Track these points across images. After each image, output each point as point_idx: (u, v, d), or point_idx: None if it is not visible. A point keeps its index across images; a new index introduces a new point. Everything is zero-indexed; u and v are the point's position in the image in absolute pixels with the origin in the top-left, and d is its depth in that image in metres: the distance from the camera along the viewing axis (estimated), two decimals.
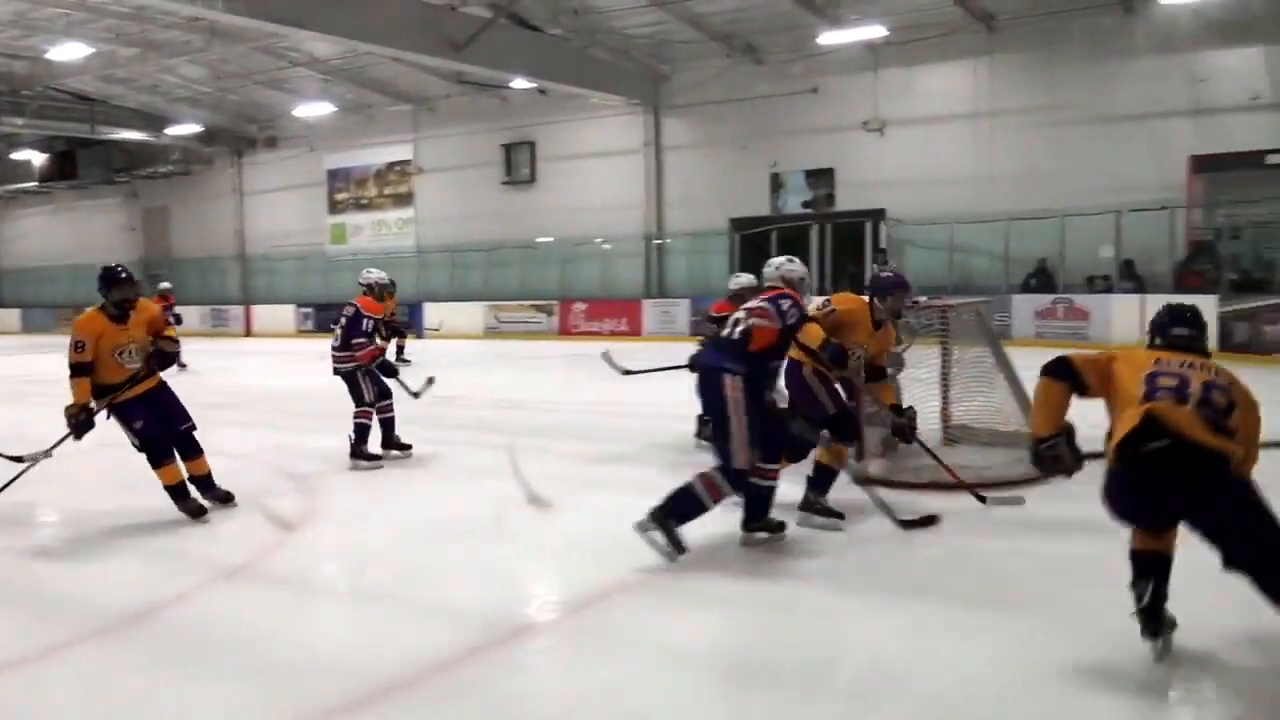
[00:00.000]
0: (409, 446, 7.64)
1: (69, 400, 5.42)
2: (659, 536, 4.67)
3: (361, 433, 7.34)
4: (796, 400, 5.32)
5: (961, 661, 3.57)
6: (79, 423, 5.44)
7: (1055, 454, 3.49)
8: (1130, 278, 16.13)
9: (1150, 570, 3.44)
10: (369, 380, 7.38)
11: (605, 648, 3.82)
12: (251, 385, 13.90)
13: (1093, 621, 3.92)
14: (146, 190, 31.40)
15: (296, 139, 27.53)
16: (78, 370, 5.40)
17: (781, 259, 5.34)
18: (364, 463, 7.29)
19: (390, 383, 7.55)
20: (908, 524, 5.16)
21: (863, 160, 19.61)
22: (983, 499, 5.43)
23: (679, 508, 4.72)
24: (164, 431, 5.56)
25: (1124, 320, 15.00)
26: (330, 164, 27.66)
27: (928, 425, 6.72)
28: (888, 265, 15.61)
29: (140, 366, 5.52)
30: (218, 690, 3.50)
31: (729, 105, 20.75)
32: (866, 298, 5.49)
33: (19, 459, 5.60)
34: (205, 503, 5.70)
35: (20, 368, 17.24)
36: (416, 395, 7.78)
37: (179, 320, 15.78)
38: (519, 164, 24.16)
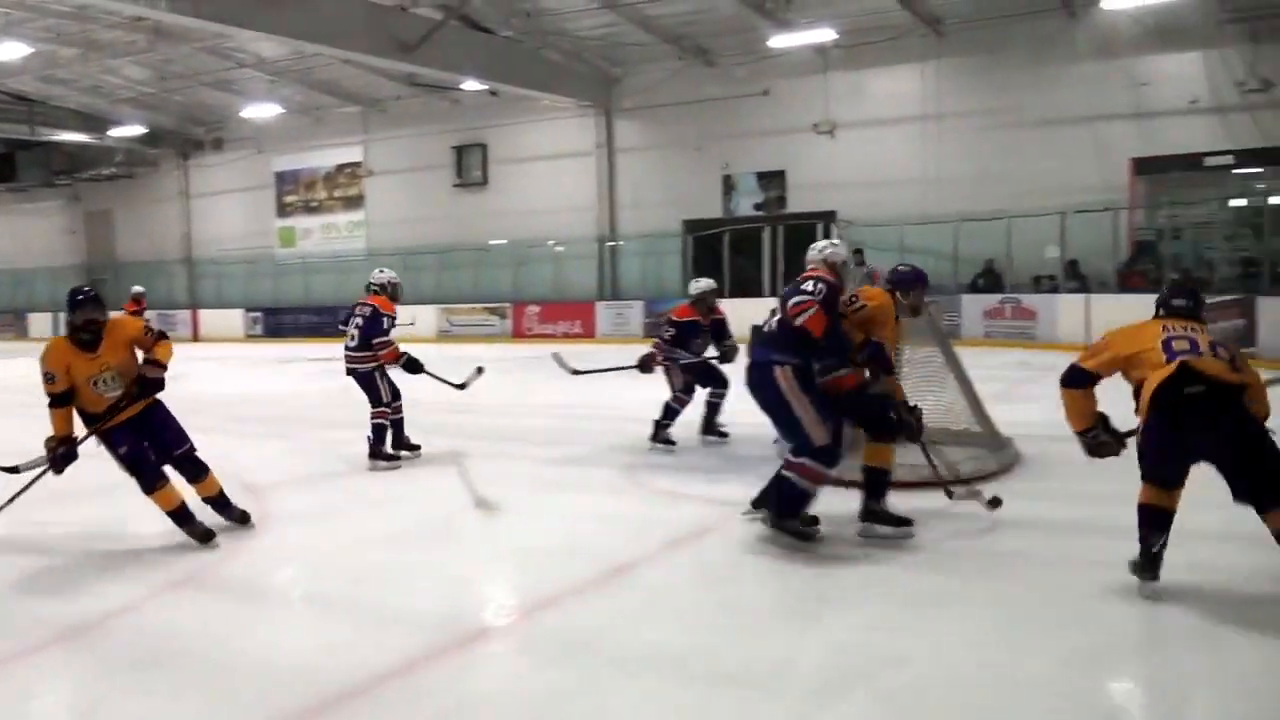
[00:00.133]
0: (418, 446, 7.67)
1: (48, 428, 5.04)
2: (789, 537, 4.80)
3: (380, 433, 7.37)
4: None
5: (917, 659, 3.62)
6: (58, 456, 4.98)
7: (1099, 441, 4.26)
8: (1075, 278, 16.43)
9: (1160, 523, 3.95)
10: (386, 380, 7.44)
11: (562, 651, 3.81)
12: (200, 391, 13.67)
13: (1046, 617, 3.99)
14: (89, 193, 30.77)
15: (244, 141, 27.16)
16: (54, 401, 4.99)
17: (824, 242, 5.33)
18: (382, 463, 7.33)
19: (424, 377, 7.56)
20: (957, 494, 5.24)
21: (813, 162, 19.79)
22: (950, 494, 5.48)
23: (788, 504, 4.82)
24: (159, 455, 5.15)
25: (1070, 319, 15.29)
26: (278, 166, 27.32)
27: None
28: (864, 264, 15.84)
29: (121, 394, 5.03)
30: (172, 700, 3.45)
31: (681, 107, 20.82)
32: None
33: (14, 469, 5.22)
34: (225, 521, 5.38)
35: None
36: (462, 387, 7.76)
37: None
38: (470, 166, 24.05)
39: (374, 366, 7.37)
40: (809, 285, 4.87)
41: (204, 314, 27.36)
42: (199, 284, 28.87)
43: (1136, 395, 4.06)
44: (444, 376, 7.71)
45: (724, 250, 19.91)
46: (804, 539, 4.81)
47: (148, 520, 5.24)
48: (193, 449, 5.28)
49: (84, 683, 3.65)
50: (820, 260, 5.16)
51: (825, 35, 17.87)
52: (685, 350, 7.70)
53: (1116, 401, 4.34)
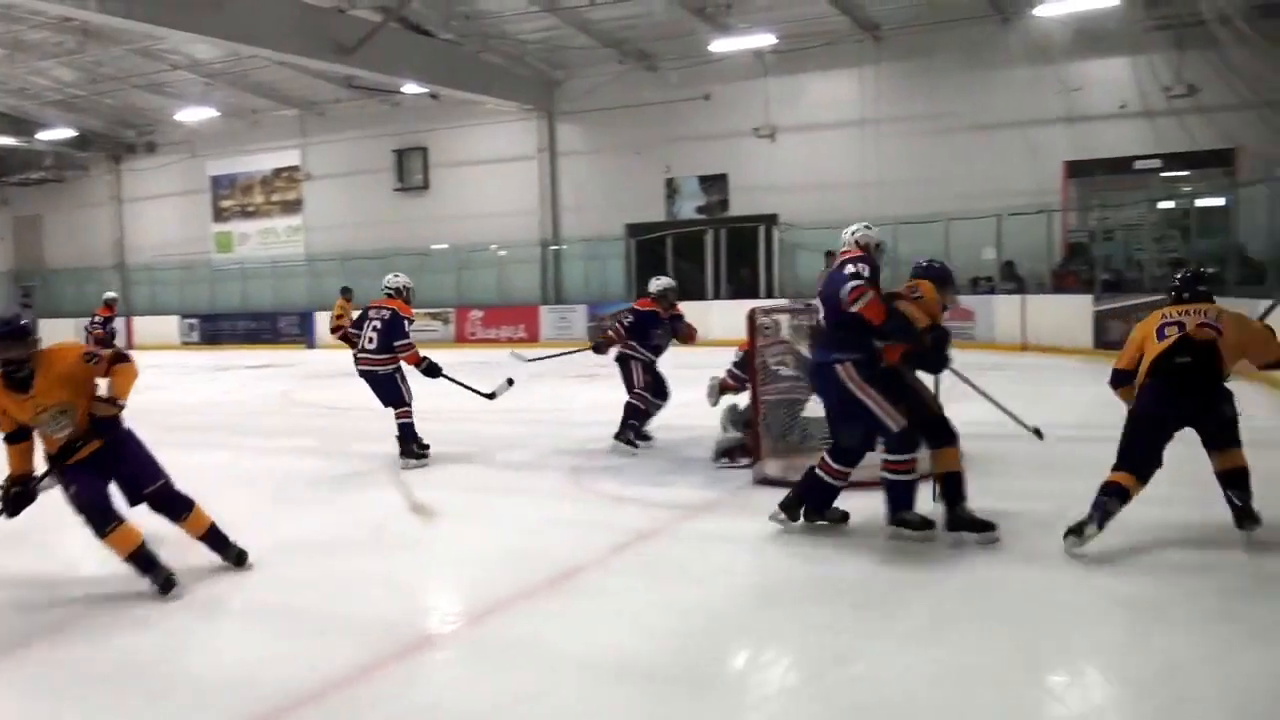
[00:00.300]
0: (428, 447, 7.73)
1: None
2: (905, 531, 4.87)
3: (408, 431, 7.51)
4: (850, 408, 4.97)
5: (861, 657, 3.66)
6: (11, 497, 4.56)
7: None
8: (1011, 278, 16.75)
9: (1120, 495, 4.53)
10: (405, 381, 7.57)
11: (509, 658, 3.80)
12: (134, 400, 13.41)
13: (986, 613, 4.06)
14: (17, 198, 29.94)
15: (178, 144, 26.65)
16: (7, 439, 4.58)
17: (858, 224, 5.31)
18: (413, 461, 7.47)
19: (447, 383, 7.68)
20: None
21: (755, 166, 19.93)
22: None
23: (899, 503, 4.88)
24: (129, 495, 4.65)
25: (1006, 320, 15.59)
26: (214, 170, 26.84)
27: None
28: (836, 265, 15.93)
29: (74, 430, 4.50)
30: (114, 717, 3.38)
31: (623, 111, 20.84)
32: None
33: None
34: (221, 561, 4.86)
35: None
36: (491, 396, 7.77)
37: (113, 336, 15.23)
38: (412, 170, 23.83)
39: (394, 368, 7.51)
40: (851, 268, 4.82)
41: (138, 321, 26.73)
42: (133, 290, 28.21)
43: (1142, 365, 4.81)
44: (470, 384, 7.79)
45: (667, 254, 19.97)
46: (925, 527, 4.86)
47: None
48: (167, 484, 4.71)
49: (29, 702, 3.57)
50: (852, 243, 5.12)
51: (765, 40, 18.04)
52: (643, 342, 7.83)
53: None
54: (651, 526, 5.57)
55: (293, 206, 25.89)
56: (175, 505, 4.75)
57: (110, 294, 16.35)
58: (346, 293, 17.92)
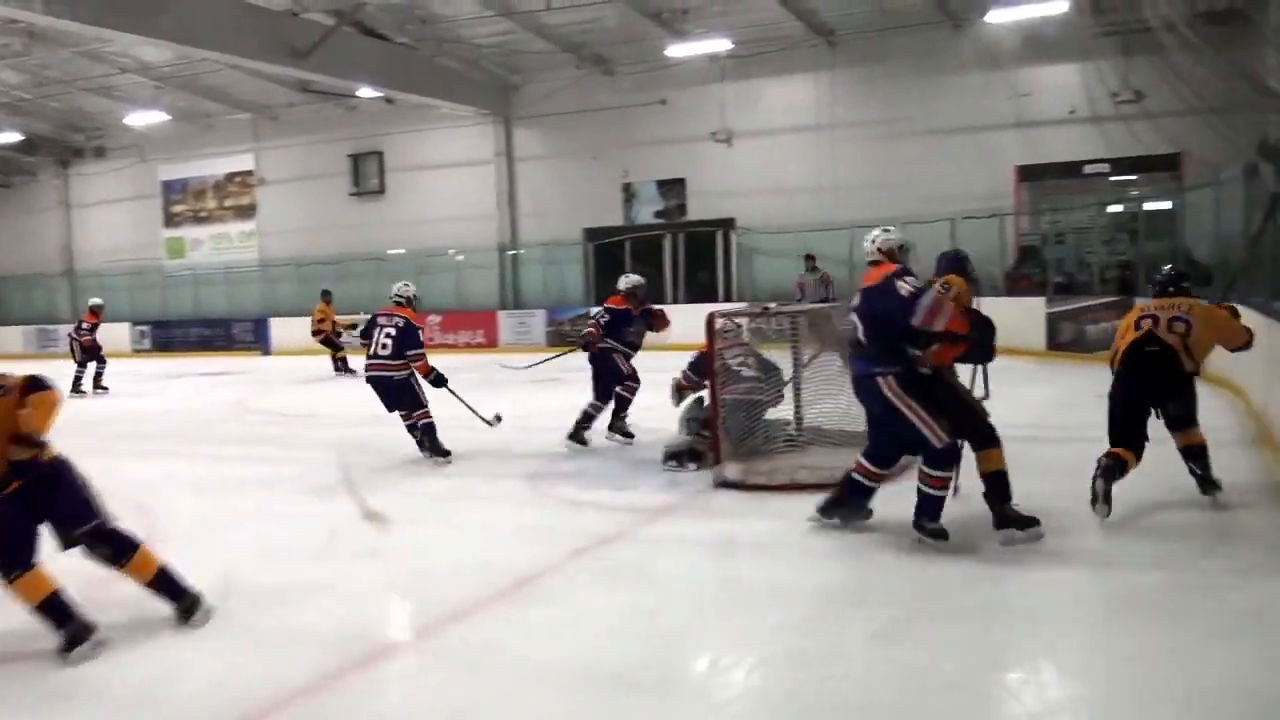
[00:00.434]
0: (449, 454, 7.93)
1: None
2: (928, 540, 4.83)
3: (432, 430, 7.78)
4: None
5: (820, 658, 3.68)
6: None
7: None
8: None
9: (1118, 464, 5.12)
10: (419, 384, 7.78)
11: (470, 666, 3.77)
12: (84, 408, 13.15)
13: (939, 612, 4.10)
14: None
15: (127, 149, 26.19)
16: None
17: (877, 230, 5.19)
18: (441, 458, 7.74)
19: (458, 405, 8.07)
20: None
21: (712, 171, 20.01)
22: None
23: (928, 512, 4.86)
24: (61, 538, 4.11)
25: None
26: (165, 175, 26.42)
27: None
28: (817, 269, 16.07)
29: None
30: None
31: (580, 116, 20.82)
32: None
33: None
34: (174, 608, 4.24)
35: None
36: (490, 423, 8.14)
37: (98, 350, 14.91)
38: (367, 174, 23.63)
39: (408, 374, 7.72)
40: (905, 287, 4.74)
41: None
42: (82, 297, 27.66)
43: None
44: (471, 404, 8.16)
45: (625, 258, 19.98)
46: (938, 537, 4.83)
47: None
48: (103, 524, 4.12)
49: None
50: (876, 250, 5.05)
51: (720, 45, 18.11)
52: (618, 338, 8.14)
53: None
54: (612, 531, 5.57)
55: (246, 211, 25.56)
56: (115, 547, 4.18)
57: (95, 300, 16.05)
58: (327, 296, 17.80)
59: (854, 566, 4.79)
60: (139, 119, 23.44)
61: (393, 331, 7.70)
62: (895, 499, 5.71)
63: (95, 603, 4.42)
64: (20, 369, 4.34)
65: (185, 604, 4.26)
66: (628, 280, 8.34)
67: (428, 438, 7.78)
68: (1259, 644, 3.64)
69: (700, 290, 19.49)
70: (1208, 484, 5.35)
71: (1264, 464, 6.46)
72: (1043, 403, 9.67)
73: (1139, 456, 5.21)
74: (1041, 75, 17.09)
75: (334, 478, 7.30)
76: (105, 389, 14.97)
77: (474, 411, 8.17)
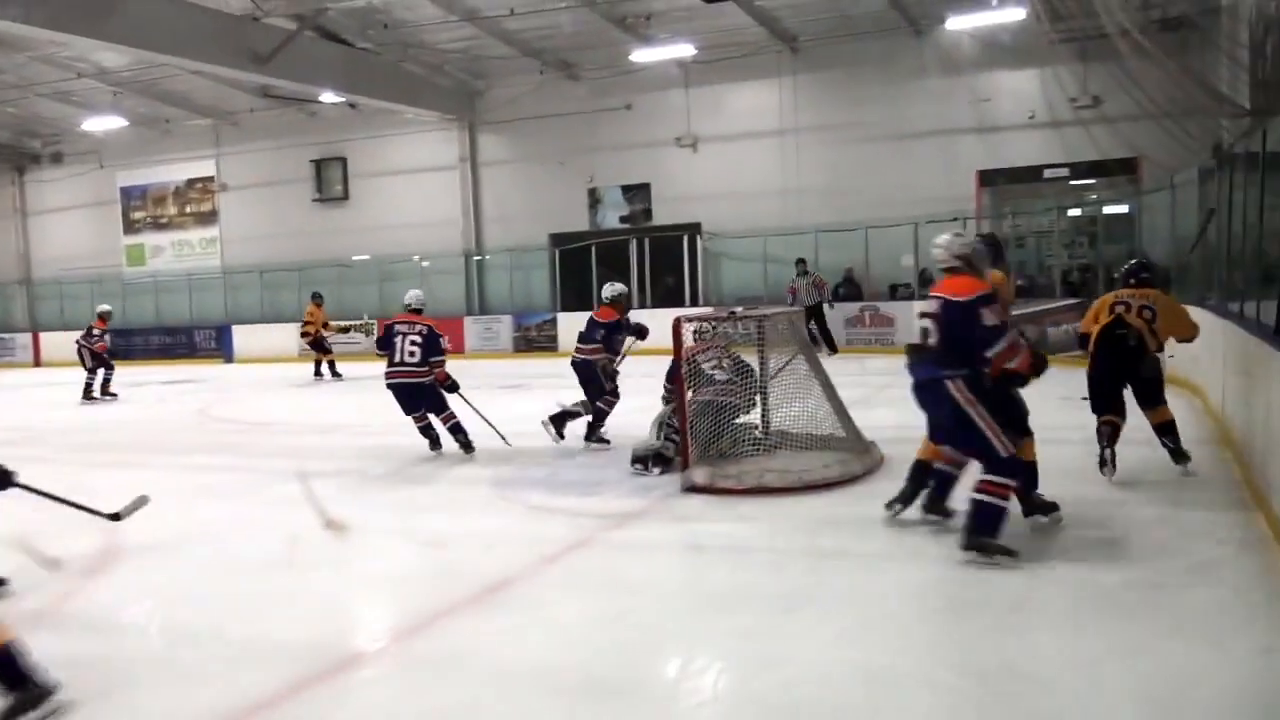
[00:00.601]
0: (440, 446, 8.31)
1: None
2: (985, 558, 4.57)
3: (460, 429, 8.16)
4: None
5: (787, 661, 3.70)
6: None
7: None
8: (929, 285, 17.07)
9: (1111, 428, 6.11)
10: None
11: (439, 674, 3.75)
12: (42, 419, 12.96)
13: (905, 614, 4.14)
14: None
15: (85, 155, 25.81)
16: None
17: (947, 235, 5.09)
18: (469, 452, 8.10)
19: (475, 417, 8.47)
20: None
21: (677, 175, 20.06)
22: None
23: (985, 525, 4.62)
24: None
25: None
26: (124, 181, 26.06)
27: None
28: (808, 272, 16.10)
29: None
30: None
31: (545, 121, 20.81)
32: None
33: None
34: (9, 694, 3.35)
35: None
36: (506, 441, 8.39)
37: (108, 357, 14.83)
38: (331, 180, 23.46)
39: (432, 380, 8.09)
40: (991, 319, 4.67)
41: (45, 337, 25.78)
42: (39, 306, 27.26)
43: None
44: (479, 408, 8.52)
45: (592, 263, 19.98)
46: (1007, 555, 4.58)
47: None
48: None
49: None
50: (951, 256, 4.99)
51: (684, 51, 18.17)
52: (612, 350, 8.40)
53: None
54: (579, 537, 5.56)
55: (208, 218, 25.28)
56: None
57: (104, 307, 15.83)
58: (317, 298, 17.67)
59: (819, 569, 4.82)
60: (97, 124, 23.12)
61: (418, 339, 8.10)
62: (854, 502, 5.77)
63: (56, 621, 4.36)
64: None
65: (24, 697, 3.32)
66: (613, 289, 8.57)
67: (458, 435, 8.13)
68: (1220, 643, 3.69)
69: (667, 295, 19.53)
70: (1179, 455, 6.19)
71: (1221, 463, 6.57)
72: None
73: (1123, 418, 6.12)
74: (1001, 81, 17.32)
75: (295, 487, 7.24)
76: (114, 395, 14.96)
77: (490, 423, 8.49)
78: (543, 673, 3.70)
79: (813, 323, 15.82)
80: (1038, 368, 5.04)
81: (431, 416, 8.24)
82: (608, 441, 8.25)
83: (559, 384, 11.96)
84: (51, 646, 4.17)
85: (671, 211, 20.16)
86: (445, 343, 8.32)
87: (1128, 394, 6.20)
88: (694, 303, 19.03)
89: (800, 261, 16.63)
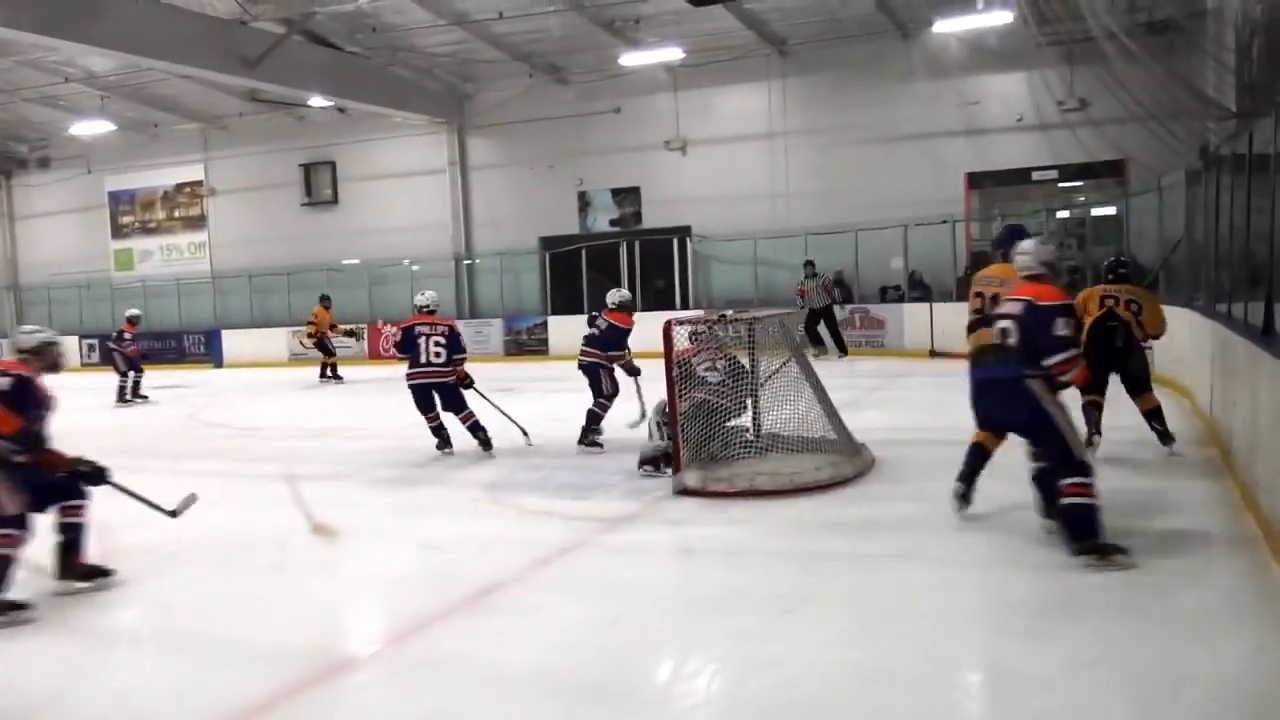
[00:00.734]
0: (450, 446, 8.49)
1: None
2: (1101, 560, 4.51)
3: (480, 428, 8.35)
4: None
5: (784, 662, 3.71)
6: None
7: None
8: (918, 287, 17.17)
9: (1095, 407, 6.77)
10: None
11: (433, 677, 3.76)
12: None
13: (904, 615, 4.16)
14: None
15: (73, 159, 25.71)
16: None
17: (1030, 241, 5.13)
18: (488, 452, 8.27)
19: (490, 410, 8.67)
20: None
21: (667, 179, 20.08)
22: None
23: (1086, 527, 4.58)
24: None
25: (915, 328, 15.95)
26: (112, 185, 25.97)
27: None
28: (817, 274, 16.09)
29: None
30: None
31: (534, 124, 20.81)
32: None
33: None
34: None
35: None
36: (526, 438, 8.60)
37: (140, 361, 14.91)
38: (320, 185, 23.41)
39: (455, 380, 8.29)
40: (1064, 330, 4.71)
41: None
42: (27, 311, 27.11)
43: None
44: (502, 406, 8.72)
45: (582, 267, 19.98)
46: (1117, 552, 4.53)
47: None
48: None
49: None
50: (1037, 263, 5.00)
51: (674, 54, 18.19)
52: (620, 349, 8.50)
53: None
54: (572, 540, 5.57)
55: (196, 222, 25.21)
56: None
57: (133, 310, 15.78)
58: (325, 300, 17.66)
59: (812, 570, 4.84)
60: (84, 129, 23.04)
61: (441, 340, 8.30)
62: (845, 504, 5.79)
63: (47, 627, 4.35)
64: None
65: None
66: (620, 294, 8.68)
67: (478, 434, 8.30)
68: (1211, 642, 3.72)
69: (657, 298, 19.54)
70: (1165, 437, 6.81)
71: (1210, 463, 6.61)
72: None
73: (1104, 397, 6.79)
74: (989, 84, 17.39)
75: (285, 491, 7.23)
76: (145, 398, 15.01)
77: (509, 417, 8.68)
78: (538, 675, 3.70)
79: (822, 324, 15.86)
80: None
81: (449, 416, 8.33)
82: (601, 445, 8.28)
83: (549, 388, 11.99)
84: (42, 653, 4.18)
85: (661, 215, 20.18)
86: (464, 342, 8.56)
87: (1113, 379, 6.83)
88: (684, 306, 19.06)
89: (809, 263, 16.57)
